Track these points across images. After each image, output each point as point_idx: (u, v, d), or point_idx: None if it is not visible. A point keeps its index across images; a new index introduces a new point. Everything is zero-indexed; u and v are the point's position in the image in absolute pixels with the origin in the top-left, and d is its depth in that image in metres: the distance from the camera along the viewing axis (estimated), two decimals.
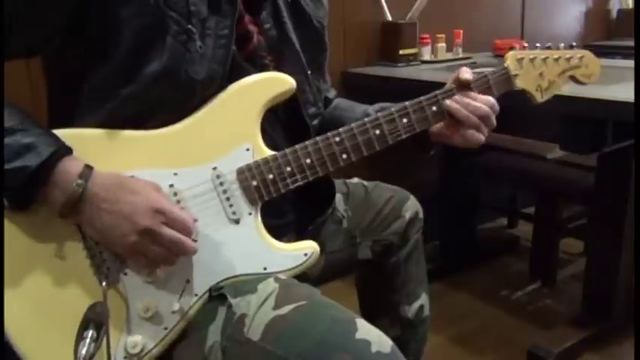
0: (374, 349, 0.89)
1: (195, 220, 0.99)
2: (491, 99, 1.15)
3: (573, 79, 1.24)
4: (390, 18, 2.66)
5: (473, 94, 1.14)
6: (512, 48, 1.20)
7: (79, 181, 0.90)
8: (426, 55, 2.74)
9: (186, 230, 0.94)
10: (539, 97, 1.21)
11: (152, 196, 0.93)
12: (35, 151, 0.88)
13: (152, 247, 0.93)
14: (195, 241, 0.98)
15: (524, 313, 2.45)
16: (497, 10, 3.14)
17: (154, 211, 0.91)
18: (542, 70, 1.20)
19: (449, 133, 1.17)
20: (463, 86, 1.14)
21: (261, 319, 0.93)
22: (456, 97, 1.13)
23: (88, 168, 0.92)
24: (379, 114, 1.09)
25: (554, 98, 1.24)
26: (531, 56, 1.19)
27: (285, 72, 1.10)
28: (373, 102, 1.33)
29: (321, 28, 1.28)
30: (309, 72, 1.22)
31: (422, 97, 1.13)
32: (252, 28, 1.12)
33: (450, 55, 2.81)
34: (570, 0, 3.53)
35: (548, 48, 1.22)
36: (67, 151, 0.93)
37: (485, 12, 3.09)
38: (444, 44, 2.78)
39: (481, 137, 1.15)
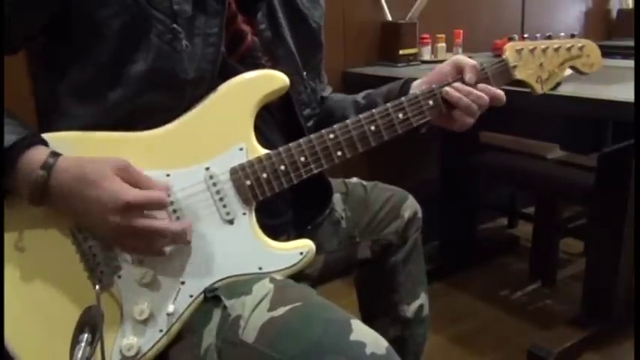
0: (369, 350, 0.88)
1: (169, 188, 0.97)
2: (497, 92, 1.13)
3: (575, 69, 1.22)
4: (390, 18, 2.66)
5: (479, 85, 1.13)
6: (511, 39, 1.18)
7: (41, 172, 0.89)
8: (426, 55, 2.73)
9: (159, 207, 0.93)
10: (539, 89, 1.19)
11: (116, 187, 0.90)
12: None
13: (128, 241, 0.93)
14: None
15: (524, 313, 2.45)
16: (497, 10, 3.14)
17: (121, 208, 0.89)
18: (542, 60, 1.18)
19: (442, 117, 1.15)
20: (459, 79, 1.13)
21: (255, 321, 0.93)
22: (456, 84, 1.12)
23: (53, 156, 0.91)
24: (374, 110, 1.08)
25: (554, 98, 1.22)
26: (531, 47, 1.17)
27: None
28: None
29: (318, 29, 1.27)
30: (304, 73, 1.22)
31: (417, 91, 1.12)
32: (245, 27, 1.11)
33: (449, 55, 2.79)
34: (570, 0, 3.53)
35: (549, 38, 1.20)
36: (35, 140, 0.93)
37: (485, 12, 3.09)
38: (444, 44, 2.77)
39: (471, 122, 1.14)
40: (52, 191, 0.90)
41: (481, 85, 1.13)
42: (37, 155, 0.91)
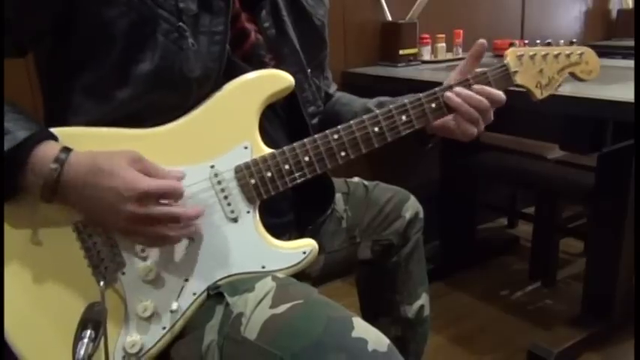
0: (370, 347, 0.88)
1: (183, 177, 0.98)
2: (494, 92, 1.13)
3: (573, 75, 1.23)
4: (390, 18, 2.66)
5: (475, 86, 1.13)
6: (512, 44, 1.19)
7: (53, 166, 0.89)
8: (426, 55, 2.74)
9: (176, 196, 0.93)
10: (539, 94, 1.20)
11: (131, 176, 0.90)
12: (10, 135, 0.88)
13: (146, 229, 0.92)
14: (192, 237, 0.99)
15: (524, 313, 2.45)
16: (497, 10, 3.14)
17: (136, 196, 0.89)
18: (542, 66, 1.19)
19: (447, 126, 1.16)
20: (463, 82, 1.14)
21: (257, 318, 0.93)
22: (457, 89, 1.12)
23: (65, 151, 0.91)
24: (378, 111, 1.09)
25: (554, 98, 1.23)
26: (531, 53, 1.18)
27: (285, 71, 1.10)
28: None
29: (321, 27, 1.27)
30: (308, 70, 1.22)
31: (421, 94, 1.12)
32: (249, 26, 1.12)
33: (450, 55, 2.81)
34: (570, 0, 3.53)
35: (549, 44, 1.21)
36: (46, 136, 0.93)
37: (485, 12, 3.09)
38: (443, 44, 2.78)
39: (475, 131, 1.15)
40: (65, 185, 0.90)
41: (477, 87, 1.13)
42: (48, 150, 0.91)
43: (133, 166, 0.92)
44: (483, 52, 1.16)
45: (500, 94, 1.14)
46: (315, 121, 1.24)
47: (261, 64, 1.11)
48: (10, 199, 0.94)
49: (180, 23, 0.98)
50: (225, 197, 1.01)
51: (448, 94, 1.12)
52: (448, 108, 1.13)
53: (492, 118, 1.15)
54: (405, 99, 1.11)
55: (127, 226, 0.92)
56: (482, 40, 1.15)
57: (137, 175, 0.91)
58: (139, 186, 0.90)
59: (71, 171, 0.90)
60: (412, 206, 1.43)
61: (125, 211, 0.90)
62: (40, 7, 0.95)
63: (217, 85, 1.03)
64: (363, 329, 0.91)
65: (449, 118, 1.15)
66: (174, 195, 0.93)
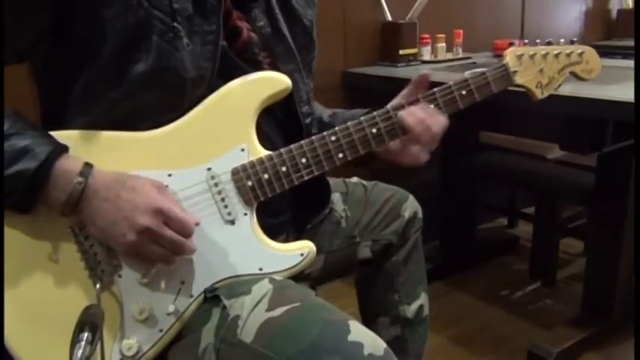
0: (366, 351, 0.88)
1: (198, 224, 0.97)
2: (442, 119, 1.12)
3: (574, 74, 1.23)
4: (390, 18, 2.66)
5: (429, 109, 1.11)
6: (511, 44, 1.19)
7: (80, 179, 0.90)
8: (426, 55, 2.73)
9: (186, 231, 0.94)
10: (539, 94, 1.20)
11: (153, 194, 0.92)
12: (31, 153, 0.89)
13: (151, 247, 0.92)
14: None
15: (524, 313, 2.45)
16: (497, 10, 3.13)
17: (153, 211, 0.90)
18: (542, 66, 1.19)
19: (397, 149, 1.14)
20: (414, 101, 1.12)
21: (254, 321, 0.93)
22: (412, 109, 1.10)
23: (88, 165, 0.92)
24: (375, 113, 1.09)
25: (554, 98, 1.23)
26: (531, 52, 1.18)
27: (280, 68, 1.09)
28: (373, 102, 1.31)
29: (311, 27, 1.27)
30: (302, 69, 1.22)
31: (375, 112, 1.10)
32: (241, 24, 1.11)
33: (450, 55, 2.80)
34: (570, 0, 3.53)
35: (549, 44, 1.20)
36: (63, 150, 0.93)
37: (485, 12, 3.08)
38: (443, 44, 2.77)
39: (426, 157, 1.14)
40: (86, 197, 0.91)
41: (434, 114, 1.12)
42: (69, 165, 0.92)
43: (157, 189, 0.94)
44: (427, 82, 1.16)
45: (440, 119, 1.12)
46: (307, 121, 1.24)
47: (255, 62, 1.11)
48: (25, 214, 0.94)
49: (175, 24, 0.98)
50: (222, 199, 1.01)
51: (402, 113, 1.10)
52: (402, 128, 1.11)
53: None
54: (403, 100, 1.11)
55: (135, 240, 0.91)
56: (426, 72, 1.15)
57: (158, 194, 0.93)
58: (157, 202, 0.91)
59: (95, 184, 0.91)
60: (411, 206, 1.43)
61: (138, 224, 0.90)
62: (40, 10, 0.95)
63: (212, 86, 1.03)
64: (359, 333, 0.91)
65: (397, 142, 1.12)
66: (184, 227, 0.93)
